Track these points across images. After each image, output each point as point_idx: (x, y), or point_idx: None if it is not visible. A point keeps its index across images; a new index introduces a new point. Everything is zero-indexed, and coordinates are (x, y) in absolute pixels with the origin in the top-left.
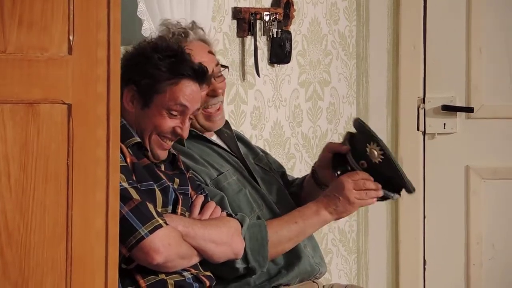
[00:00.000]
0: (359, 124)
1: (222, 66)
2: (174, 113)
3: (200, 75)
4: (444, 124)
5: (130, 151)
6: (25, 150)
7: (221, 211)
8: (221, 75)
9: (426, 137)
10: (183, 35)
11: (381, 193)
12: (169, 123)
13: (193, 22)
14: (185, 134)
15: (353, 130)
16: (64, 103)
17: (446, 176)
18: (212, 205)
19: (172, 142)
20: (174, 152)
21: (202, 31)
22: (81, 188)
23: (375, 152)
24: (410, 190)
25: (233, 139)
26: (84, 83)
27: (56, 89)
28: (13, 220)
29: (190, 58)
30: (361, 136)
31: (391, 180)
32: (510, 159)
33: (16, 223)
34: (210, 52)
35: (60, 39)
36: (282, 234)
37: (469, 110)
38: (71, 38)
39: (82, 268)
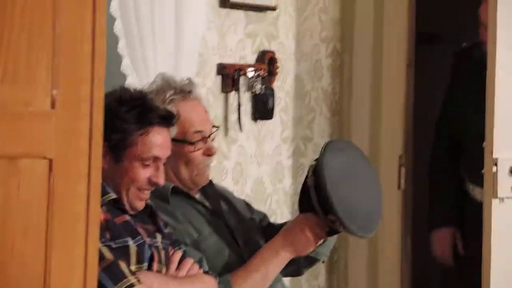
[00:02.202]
0: (320, 185)
1: (214, 126)
2: (147, 162)
3: (169, 119)
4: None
5: (105, 208)
6: (5, 205)
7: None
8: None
9: (496, 201)
10: (187, 92)
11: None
12: (144, 174)
13: (190, 79)
14: (161, 181)
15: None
16: (46, 158)
17: None
18: (189, 261)
19: (150, 192)
20: (151, 204)
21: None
22: (60, 244)
23: (337, 223)
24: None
25: (216, 198)
26: (66, 138)
27: (38, 143)
28: None
29: (155, 104)
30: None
31: None
32: None
33: None
34: (206, 112)
35: (43, 94)
36: (247, 286)
37: None
38: (54, 92)
39: None
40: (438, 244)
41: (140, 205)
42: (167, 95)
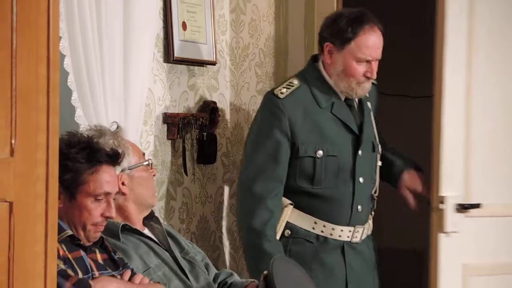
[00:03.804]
0: None
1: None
2: (100, 198)
3: (115, 158)
4: None
5: (63, 245)
6: None
7: None
8: None
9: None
10: (118, 131)
11: None
12: (98, 209)
13: (116, 122)
14: (113, 214)
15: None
16: (6, 201)
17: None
18: (139, 275)
19: (105, 224)
20: (103, 236)
21: None
22: (21, 280)
23: None
24: None
25: (163, 233)
26: (24, 182)
27: None
28: None
29: (101, 146)
30: None
31: None
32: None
33: None
34: None
35: (2, 143)
36: None
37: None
38: (13, 141)
39: None
40: None
41: (97, 236)
42: (106, 138)
